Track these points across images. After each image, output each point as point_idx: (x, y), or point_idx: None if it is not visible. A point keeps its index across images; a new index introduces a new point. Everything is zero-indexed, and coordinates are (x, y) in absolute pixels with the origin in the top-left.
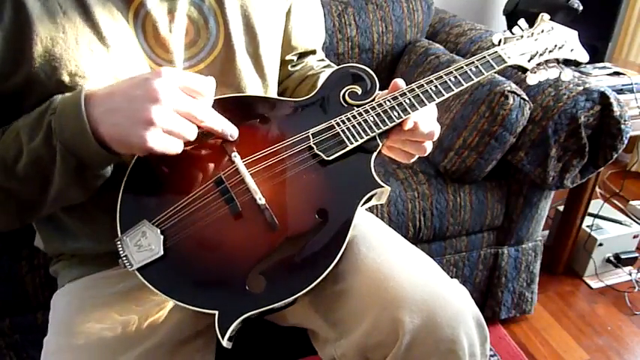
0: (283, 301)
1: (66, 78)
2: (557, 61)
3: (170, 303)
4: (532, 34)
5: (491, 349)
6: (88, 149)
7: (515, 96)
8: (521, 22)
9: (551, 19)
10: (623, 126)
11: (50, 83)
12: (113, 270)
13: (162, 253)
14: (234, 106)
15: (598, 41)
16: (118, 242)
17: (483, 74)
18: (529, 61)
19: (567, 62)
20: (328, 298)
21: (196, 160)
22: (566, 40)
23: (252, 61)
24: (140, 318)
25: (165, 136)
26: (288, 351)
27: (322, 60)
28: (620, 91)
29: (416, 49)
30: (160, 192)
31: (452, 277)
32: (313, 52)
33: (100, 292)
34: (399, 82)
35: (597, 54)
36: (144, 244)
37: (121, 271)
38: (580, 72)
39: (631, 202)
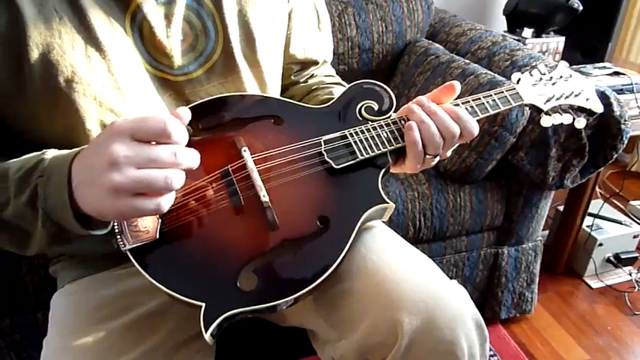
0: (272, 304)
1: (62, 84)
2: (572, 107)
3: (170, 304)
4: (551, 78)
5: (491, 349)
6: (69, 223)
7: None
8: (541, 66)
9: (551, 20)
10: (623, 126)
11: (46, 89)
12: (113, 271)
13: (157, 237)
14: (251, 104)
15: (598, 41)
16: (115, 220)
17: (500, 108)
18: (545, 103)
19: (581, 110)
20: (328, 298)
21: (206, 152)
22: (583, 89)
23: (250, 67)
24: (140, 319)
25: (140, 200)
26: (288, 351)
27: (331, 75)
28: (620, 91)
29: (416, 49)
30: None
31: (452, 278)
32: (315, 62)
33: (100, 293)
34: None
35: (597, 54)
36: (140, 226)
37: (120, 273)
38: (580, 72)
39: (631, 202)
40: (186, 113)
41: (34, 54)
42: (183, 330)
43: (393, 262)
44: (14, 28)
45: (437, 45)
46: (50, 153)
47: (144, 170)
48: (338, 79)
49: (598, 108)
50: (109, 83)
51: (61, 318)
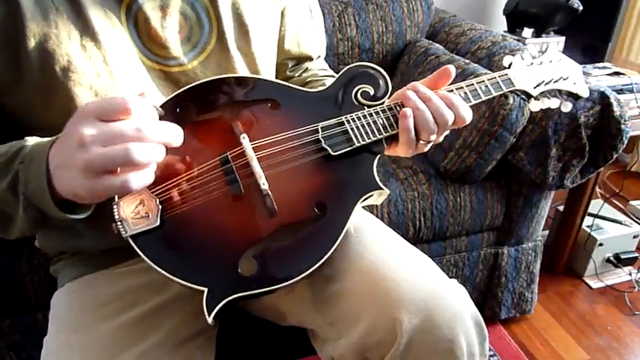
0: (271, 287)
1: (59, 73)
2: (560, 92)
3: (171, 302)
4: (541, 62)
5: (491, 349)
6: (49, 207)
7: (515, 96)
8: (532, 48)
9: (551, 20)
10: (623, 126)
11: (43, 78)
12: (113, 269)
13: (158, 223)
14: (247, 86)
15: (598, 41)
16: (115, 206)
17: (492, 93)
18: (534, 88)
19: (568, 94)
20: (327, 298)
21: (204, 137)
22: (571, 74)
23: (244, 59)
24: (140, 317)
25: (111, 178)
26: (288, 351)
27: (324, 69)
28: (620, 91)
29: (416, 49)
30: (164, 163)
31: (452, 277)
32: (310, 58)
33: (100, 292)
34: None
35: (597, 54)
36: (141, 212)
37: (121, 271)
38: None
39: (631, 202)
40: (147, 94)
41: (31, 43)
42: (183, 328)
43: (391, 261)
44: (13, 19)
45: (437, 45)
46: (31, 140)
47: (108, 147)
48: (331, 72)
49: (584, 92)
50: (105, 73)
51: (62, 316)
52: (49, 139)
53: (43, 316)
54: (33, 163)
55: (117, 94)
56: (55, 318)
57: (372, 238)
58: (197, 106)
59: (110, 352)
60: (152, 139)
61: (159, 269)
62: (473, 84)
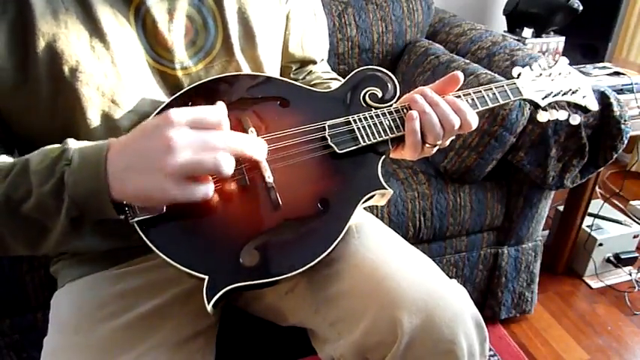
0: (271, 279)
1: (67, 73)
2: (568, 104)
3: (171, 303)
4: (550, 74)
5: (491, 349)
6: (100, 210)
7: None
8: (542, 61)
9: (551, 20)
10: (623, 126)
11: (51, 78)
12: (113, 270)
13: (164, 210)
14: (258, 84)
15: (598, 41)
16: None
17: (499, 102)
18: (543, 99)
19: (577, 107)
20: (327, 298)
21: None
22: (580, 87)
23: (250, 63)
24: (140, 318)
25: (189, 184)
26: (288, 351)
27: (328, 72)
28: (620, 91)
29: (416, 49)
30: None
31: (452, 277)
32: (313, 61)
33: (100, 292)
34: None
35: (597, 54)
36: None
37: (121, 272)
38: (580, 72)
39: (631, 202)
40: (224, 107)
41: (41, 43)
42: (183, 329)
43: (392, 261)
44: (23, 18)
45: (437, 45)
46: (72, 142)
47: (200, 154)
48: (334, 74)
49: (593, 106)
50: (112, 74)
51: (62, 317)
52: (97, 141)
53: (43, 316)
54: (85, 165)
55: (124, 95)
56: (54, 319)
57: (372, 239)
58: (208, 100)
59: (109, 353)
60: (241, 153)
61: (162, 255)
62: (480, 91)
